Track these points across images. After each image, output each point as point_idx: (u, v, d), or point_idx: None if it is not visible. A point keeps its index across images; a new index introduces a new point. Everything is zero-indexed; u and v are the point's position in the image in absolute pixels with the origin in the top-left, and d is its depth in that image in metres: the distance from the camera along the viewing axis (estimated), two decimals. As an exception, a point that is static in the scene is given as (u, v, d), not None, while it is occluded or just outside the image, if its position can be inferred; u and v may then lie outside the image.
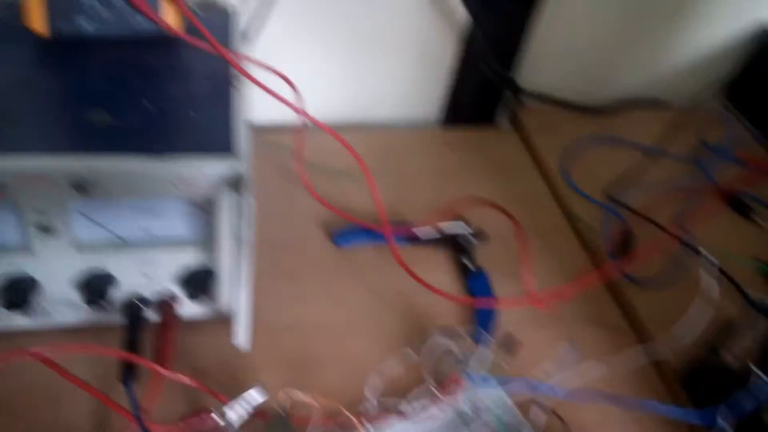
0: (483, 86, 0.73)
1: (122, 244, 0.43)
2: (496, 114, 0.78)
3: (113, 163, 0.38)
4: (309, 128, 0.56)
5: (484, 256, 0.59)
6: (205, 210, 0.42)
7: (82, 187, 0.38)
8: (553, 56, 0.76)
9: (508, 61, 0.72)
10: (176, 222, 0.42)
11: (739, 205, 0.68)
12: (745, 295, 0.53)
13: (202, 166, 0.39)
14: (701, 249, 0.55)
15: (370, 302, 0.54)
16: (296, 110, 0.51)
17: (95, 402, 0.43)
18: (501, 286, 0.57)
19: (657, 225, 0.62)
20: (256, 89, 0.46)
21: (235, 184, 0.39)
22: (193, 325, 0.48)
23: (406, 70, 0.73)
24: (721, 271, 0.53)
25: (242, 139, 0.41)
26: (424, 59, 0.73)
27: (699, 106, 0.82)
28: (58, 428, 0.42)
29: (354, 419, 0.43)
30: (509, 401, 0.46)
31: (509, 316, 0.54)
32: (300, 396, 0.44)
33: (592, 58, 0.78)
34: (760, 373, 0.44)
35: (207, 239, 0.43)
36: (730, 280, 0.54)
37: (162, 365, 0.41)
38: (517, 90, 0.75)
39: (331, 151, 0.59)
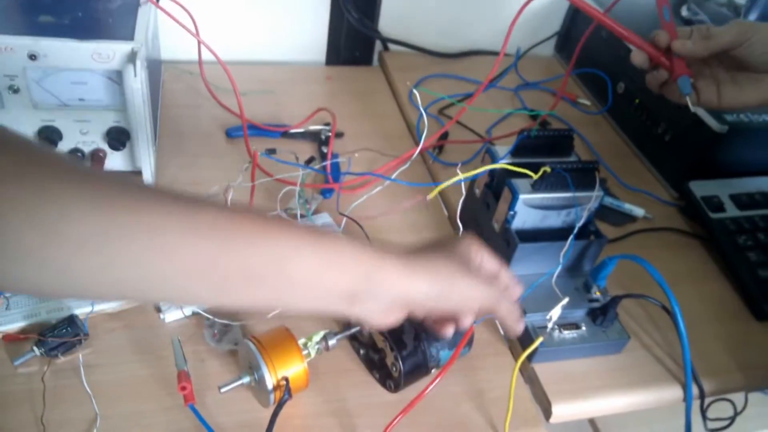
0: (353, 34, 0.95)
1: (65, 106, 0.63)
2: (371, 57, 1.00)
3: (54, 42, 0.59)
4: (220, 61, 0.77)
5: (338, 147, 0.81)
6: (117, 81, 0.63)
7: (35, 56, 0.58)
8: (411, 11, 0.99)
9: (371, 13, 0.94)
10: (101, 91, 0.63)
11: (541, 123, 0.91)
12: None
13: (111, 45, 0.60)
14: (494, 144, 0.77)
15: (247, 174, 0.75)
16: (195, 36, 0.72)
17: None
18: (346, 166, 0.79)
19: (470, 129, 0.85)
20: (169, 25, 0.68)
21: (134, 59, 0.60)
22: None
23: (294, 19, 0.95)
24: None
25: (141, 34, 0.62)
26: (306, 10, 0.94)
27: (533, 55, 1.06)
28: None
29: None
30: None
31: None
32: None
33: (444, 14, 1.01)
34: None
35: (122, 105, 0.64)
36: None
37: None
38: (381, 37, 0.97)
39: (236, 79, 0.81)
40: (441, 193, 0.77)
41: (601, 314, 0.60)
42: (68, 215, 0.31)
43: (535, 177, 0.59)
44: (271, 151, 0.72)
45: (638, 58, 0.63)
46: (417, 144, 0.84)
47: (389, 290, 0.43)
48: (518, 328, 0.50)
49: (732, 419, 0.66)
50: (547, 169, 0.59)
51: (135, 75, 0.61)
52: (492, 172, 0.64)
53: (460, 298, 0.46)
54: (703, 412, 0.61)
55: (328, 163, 0.76)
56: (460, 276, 0.45)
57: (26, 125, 0.63)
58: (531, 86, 0.98)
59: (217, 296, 0.38)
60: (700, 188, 0.77)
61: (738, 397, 0.69)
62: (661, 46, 0.62)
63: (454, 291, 0.46)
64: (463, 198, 0.68)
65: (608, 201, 0.79)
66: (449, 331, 0.49)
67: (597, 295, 0.62)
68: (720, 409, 0.65)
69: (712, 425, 0.63)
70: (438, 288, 0.44)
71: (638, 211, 0.78)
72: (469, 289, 0.46)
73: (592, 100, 0.97)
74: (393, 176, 0.75)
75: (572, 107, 0.96)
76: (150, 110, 0.66)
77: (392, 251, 0.44)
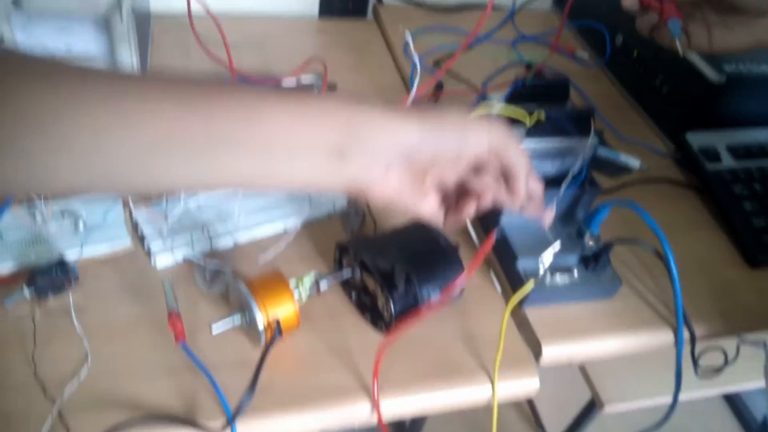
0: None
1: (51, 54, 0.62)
2: (366, 9, 0.98)
3: (40, -18, 0.58)
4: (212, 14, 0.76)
5: (331, 98, 0.80)
6: (104, 29, 0.61)
7: (18, 1, 0.57)
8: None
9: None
10: (88, 40, 0.62)
11: (537, 73, 0.90)
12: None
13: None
14: (490, 95, 0.76)
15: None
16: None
17: None
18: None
19: (465, 81, 0.84)
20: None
21: (120, 5, 0.59)
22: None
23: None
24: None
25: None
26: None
27: (532, 9, 1.04)
28: None
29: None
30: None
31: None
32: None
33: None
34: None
35: (110, 54, 0.63)
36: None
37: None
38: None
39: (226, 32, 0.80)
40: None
41: (593, 260, 0.60)
42: (22, 93, 0.31)
43: (529, 124, 0.58)
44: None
45: (628, 1, 0.62)
46: (408, 90, 0.83)
47: (378, 138, 0.39)
48: (537, 189, 0.47)
49: (723, 367, 0.67)
50: (542, 115, 0.58)
51: (122, 21, 0.60)
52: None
53: (459, 136, 0.41)
54: (694, 356, 0.61)
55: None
56: (455, 115, 0.41)
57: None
58: (528, 39, 0.97)
59: (191, 172, 0.36)
60: (697, 139, 0.76)
61: (730, 348, 0.70)
62: None
63: (450, 128, 0.41)
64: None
65: (604, 152, 0.78)
66: (470, 209, 0.46)
67: (590, 242, 0.62)
68: (712, 359, 0.66)
69: (703, 374, 0.63)
70: (431, 126, 0.40)
71: (634, 162, 0.77)
72: (469, 123, 0.42)
73: (591, 53, 0.96)
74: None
75: (570, 61, 0.95)
76: (138, 61, 0.65)
77: (375, 101, 0.40)
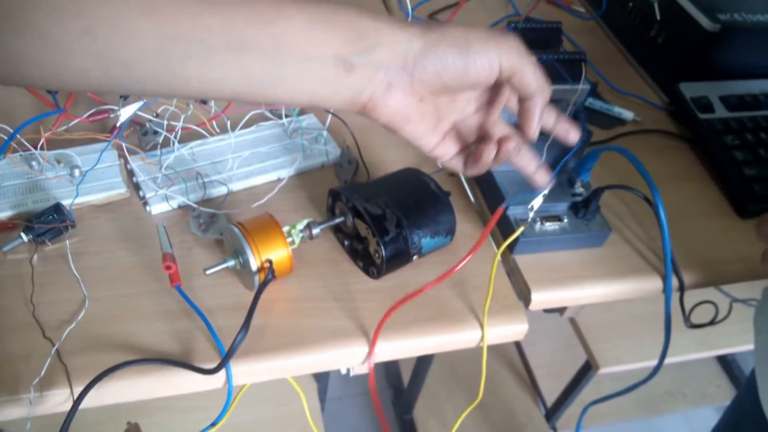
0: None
1: None
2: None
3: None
4: None
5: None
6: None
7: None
8: None
9: None
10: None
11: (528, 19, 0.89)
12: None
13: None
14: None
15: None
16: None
17: None
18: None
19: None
20: None
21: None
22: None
23: None
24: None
25: None
26: None
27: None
28: None
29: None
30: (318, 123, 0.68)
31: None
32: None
33: None
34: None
35: None
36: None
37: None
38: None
39: None
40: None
41: (583, 207, 0.61)
42: None
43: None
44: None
45: None
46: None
47: (381, 48, 0.39)
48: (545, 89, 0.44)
49: (714, 321, 0.68)
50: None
51: None
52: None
53: (463, 50, 0.40)
54: (683, 305, 0.62)
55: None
56: (460, 29, 0.40)
57: None
58: (524, -9, 0.96)
59: (203, 71, 0.36)
60: (689, 89, 0.76)
61: (723, 306, 0.71)
62: None
63: (454, 41, 0.40)
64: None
65: (597, 104, 0.78)
66: (489, 155, 0.45)
67: (580, 189, 0.62)
68: (705, 315, 0.67)
69: (693, 326, 0.65)
70: (433, 38, 0.39)
71: (627, 114, 0.78)
72: (474, 37, 0.40)
73: (587, 6, 0.95)
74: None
75: (567, 13, 0.94)
76: None
77: (381, 15, 0.40)
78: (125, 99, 0.61)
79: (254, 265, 0.50)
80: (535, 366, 1.47)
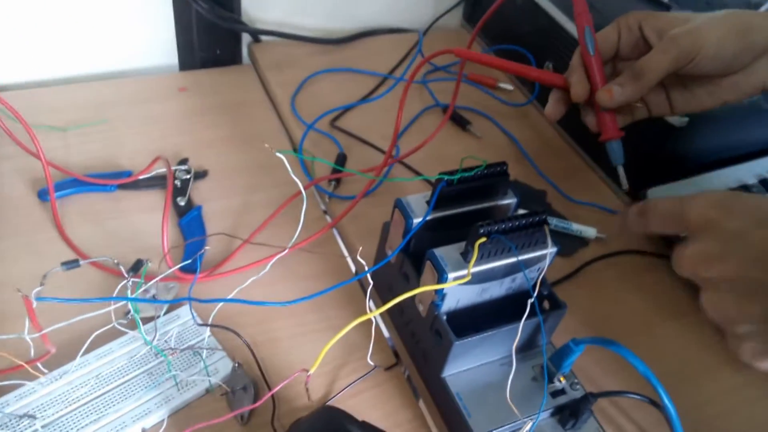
0: (208, 27, 0.73)
1: None
2: (240, 53, 0.78)
3: None
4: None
5: (200, 194, 0.61)
6: None
7: None
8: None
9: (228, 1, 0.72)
10: None
11: (459, 120, 0.74)
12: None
13: None
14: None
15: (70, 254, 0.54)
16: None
17: None
18: (215, 219, 0.59)
19: (371, 145, 0.67)
20: None
21: None
22: None
23: (126, 17, 0.71)
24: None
25: None
26: (145, 7, 0.71)
27: (438, 28, 0.87)
28: None
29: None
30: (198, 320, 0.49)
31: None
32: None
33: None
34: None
35: None
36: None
37: None
38: (245, 28, 0.76)
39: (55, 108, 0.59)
40: (344, 244, 0.60)
41: (571, 416, 0.45)
42: None
43: (474, 259, 0.42)
44: (72, 264, 0.43)
45: (553, 110, 0.54)
46: (306, 171, 0.65)
47: None
48: None
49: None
50: (483, 239, 0.41)
51: None
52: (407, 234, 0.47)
53: None
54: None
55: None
56: None
57: None
58: (440, 70, 0.80)
59: None
60: (661, 195, 0.62)
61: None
62: (579, 99, 0.52)
63: None
64: (374, 260, 0.51)
65: (552, 222, 0.63)
66: None
67: (562, 381, 0.46)
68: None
69: None
70: None
71: (589, 232, 0.63)
72: None
73: (516, 84, 0.80)
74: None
75: (490, 97, 0.78)
76: None
77: None
78: None
79: None
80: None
